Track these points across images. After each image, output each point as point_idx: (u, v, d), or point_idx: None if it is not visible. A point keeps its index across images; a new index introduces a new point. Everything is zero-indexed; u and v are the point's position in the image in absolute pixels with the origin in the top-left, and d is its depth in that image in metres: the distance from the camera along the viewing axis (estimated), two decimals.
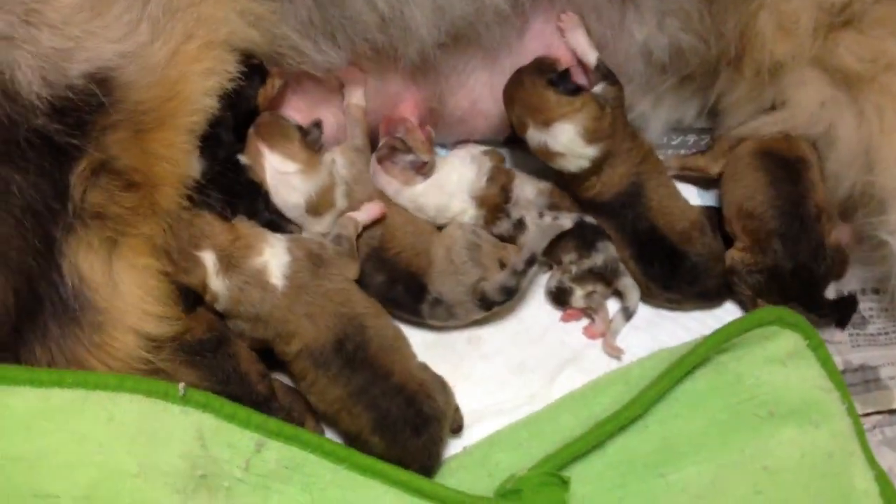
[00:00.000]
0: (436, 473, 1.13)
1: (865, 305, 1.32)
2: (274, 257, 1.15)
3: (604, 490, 1.10)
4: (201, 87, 1.08)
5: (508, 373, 1.26)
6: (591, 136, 1.23)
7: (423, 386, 1.14)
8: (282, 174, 1.21)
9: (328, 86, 1.28)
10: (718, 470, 1.10)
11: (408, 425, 1.11)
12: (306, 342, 1.13)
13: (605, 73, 1.28)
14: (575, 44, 1.29)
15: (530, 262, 1.22)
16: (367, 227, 1.24)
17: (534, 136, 1.25)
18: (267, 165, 1.21)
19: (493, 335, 1.28)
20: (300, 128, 1.24)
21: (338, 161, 1.26)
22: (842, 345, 1.31)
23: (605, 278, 1.27)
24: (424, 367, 1.18)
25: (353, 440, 1.13)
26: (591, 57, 1.29)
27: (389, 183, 1.27)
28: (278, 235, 1.19)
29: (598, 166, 1.25)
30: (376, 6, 1.15)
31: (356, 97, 1.29)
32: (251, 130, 1.23)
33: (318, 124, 1.26)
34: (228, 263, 1.13)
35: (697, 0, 1.21)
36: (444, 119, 1.33)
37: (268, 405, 1.10)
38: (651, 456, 1.12)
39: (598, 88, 1.28)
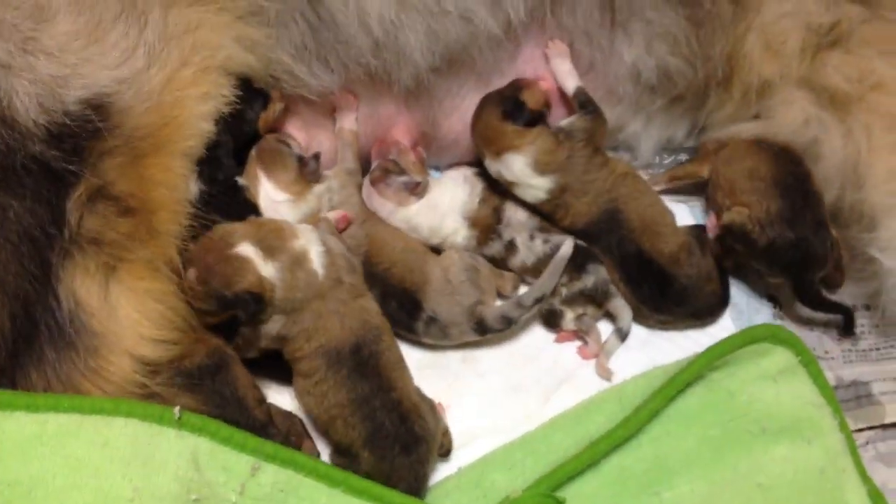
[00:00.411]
0: (423, 494, 1.13)
1: (858, 321, 1.33)
2: (310, 243, 1.16)
3: None
4: (198, 111, 1.10)
5: (503, 392, 1.26)
6: (541, 168, 1.26)
7: (416, 406, 1.14)
8: (272, 201, 1.24)
9: (322, 109, 1.30)
10: (712, 487, 1.10)
11: (398, 442, 1.11)
12: (327, 339, 1.14)
13: (582, 102, 1.30)
14: (557, 71, 1.32)
15: (539, 300, 1.24)
16: (351, 242, 1.26)
17: (490, 165, 1.29)
18: (261, 190, 1.25)
19: (487, 355, 1.29)
20: (300, 157, 1.26)
21: (333, 185, 1.28)
22: (834, 360, 1.31)
23: (596, 300, 1.28)
24: (418, 391, 1.18)
25: (343, 453, 1.13)
26: (571, 85, 1.31)
27: (383, 205, 1.28)
28: (303, 225, 1.20)
29: (557, 197, 1.27)
30: (370, 30, 1.16)
31: (348, 122, 1.31)
32: (253, 153, 1.25)
33: (316, 156, 1.27)
34: (268, 247, 1.12)
35: (685, 24, 1.24)
36: (437, 142, 1.35)
37: (265, 430, 1.10)
38: (645, 475, 1.12)
39: (567, 120, 1.31)
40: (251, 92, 1.18)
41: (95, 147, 1.02)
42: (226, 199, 1.21)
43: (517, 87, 1.29)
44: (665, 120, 1.39)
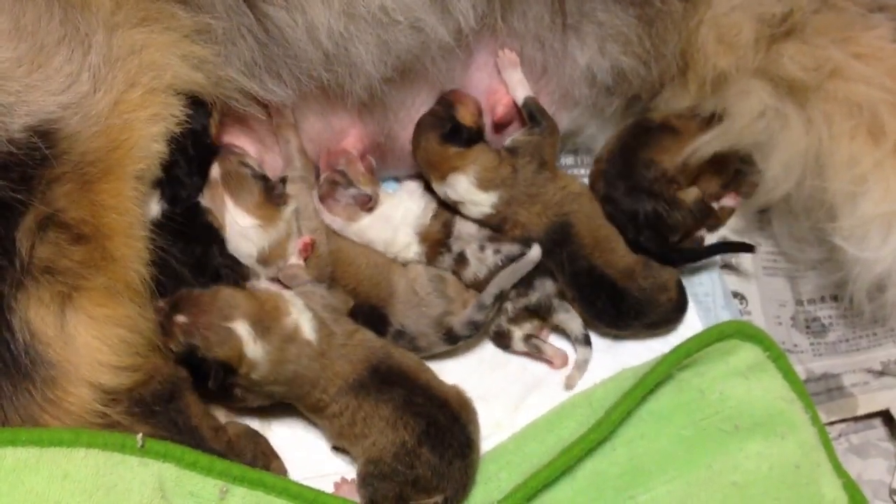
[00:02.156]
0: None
1: (825, 313, 1.34)
2: (300, 314, 1.16)
3: None
4: (148, 133, 1.08)
5: (473, 402, 1.23)
6: (485, 184, 1.26)
7: (464, 406, 1.15)
8: (240, 226, 1.22)
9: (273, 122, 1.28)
10: (687, 488, 1.10)
11: (454, 441, 1.11)
12: (344, 379, 1.14)
13: (530, 112, 1.31)
14: (508, 81, 1.32)
15: (499, 297, 1.23)
16: (316, 262, 1.25)
17: (436, 188, 1.29)
18: (227, 216, 1.22)
19: (454, 365, 1.28)
20: (265, 179, 1.24)
21: (298, 205, 1.26)
22: (803, 354, 1.31)
23: (539, 314, 1.27)
24: (461, 392, 1.18)
25: (398, 452, 1.10)
26: (521, 95, 1.31)
27: (333, 220, 1.27)
28: (291, 293, 1.20)
29: (502, 211, 1.27)
30: (320, 44, 1.15)
31: (284, 115, 1.28)
32: (216, 176, 1.23)
33: (283, 180, 1.25)
34: (262, 329, 1.13)
35: (636, 24, 1.23)
36: (394, 153, 1.34)
37: (225, 457, 1.07)
38: (620, 478, 1.11)
39: (511, 137, 1.31)
40: (192, 105, 1.16)
41: (44, 175, 1.00)
42: (186, 221, 1.19)
43: (449, 104, 1.29)
44: (621, 120, 1.38)
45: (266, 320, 1.13)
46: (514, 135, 1.32)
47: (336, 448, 1.20)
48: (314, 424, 1.20)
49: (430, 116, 1.29)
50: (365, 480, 1.12)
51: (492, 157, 1.27)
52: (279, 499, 1.04)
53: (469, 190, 1.26)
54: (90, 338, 1.02)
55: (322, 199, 1.27)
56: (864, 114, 1.18)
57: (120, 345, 1.04)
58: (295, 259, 1.23)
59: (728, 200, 1.36)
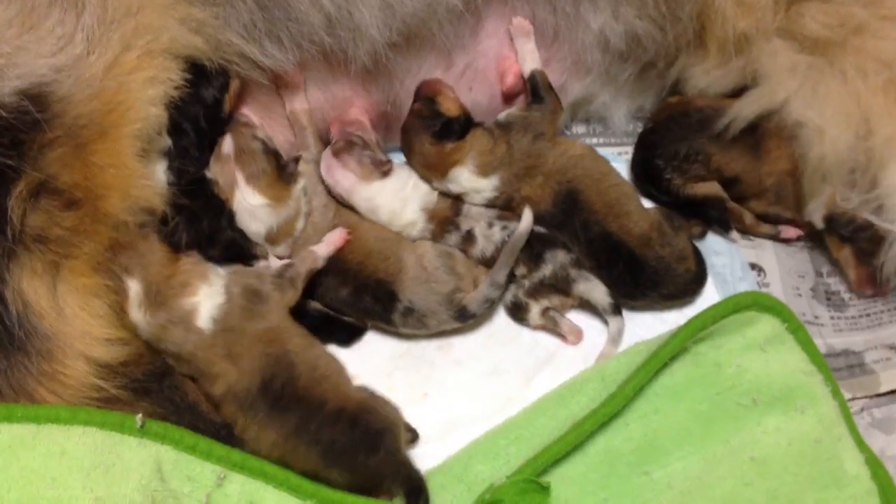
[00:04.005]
0: (420, 475, 1.08)
1: (845, 287, 1.30)
2: (208, 298, 1.09)
3: (587, 492, 1.07)
4: (144, 96, 1.04)
5: (483, 377, 1.22)
6: (485, 169, 1.24)
7: (362, 404, 1.08)
8: (249, 205, 1.19)
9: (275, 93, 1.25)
10: (704, 464, 1.07)
11: (360, 447, 1.05)
12: (230, 385, 1.07)
13: (534, 87, 1.27)
14: (519, 50, 1.28)
15: (511, 274, 1.21)
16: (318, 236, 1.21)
17: (438, 186, 1.26)
18: (237, 192, 1.19)
19: (464, 340, 1.25)
20: (277, 157, 1.21)
21: (307, 184, 1.23)
22: (824, 328, 1.28)
23: (559, 288, 1.23)
24: (363, 388, 1.11)
25: (315, 479, 1.06)
26: (528, 67, 1.27)
27: (346, 177, 1.22)
28: (221, 271, 1.13)
29: (505, 191, 1.25)
30: (322, 6, 1.11)
31: (298, 101, 1.25)
32: (227, 150, 1.20)
33: (296, 160, 1.22)
34: (155, 299, 1.07)
35: None
36: (400, 122, 1.29)
37: (227, 431, 1.06)
38: (634, 454, 1.09)
39: (504, 113, 1.27)
40: (208, 74, 1.14)
41: (35, 140, 0.97)
42: (192, 191, 1.15)
43: (429, 99, 1.25)
44: (635, 88, 1.35)
45: (163, 294, 1.07)
46: (510, 109, 1.28)
47: None
48: None
49: (415, 119, 1.25)
50: None
51: (486, 139, 1.24)
52: (278, 489, 1.02)
53: (470, 179, 1.24)
54: (78, 309, 1.00)
55: (336, 154, 1.23)
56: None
57: (105, 317, 1.02)
58: (323, 248, 1.19)
59: (789, 232, 1.31)
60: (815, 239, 1.32)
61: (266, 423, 1.05)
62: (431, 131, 1.23)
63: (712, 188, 1.28)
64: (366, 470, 1.05)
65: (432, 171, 1.25)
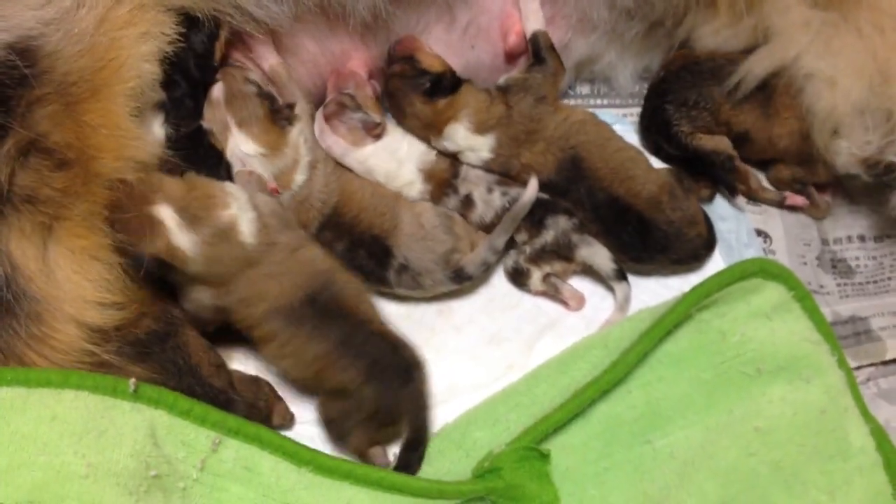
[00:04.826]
0: (429, 423, 1.09)
1: (851, 254, 1.28)
2: (241, 211, 1.07)
3: (588, 461, 1.06)
4: (137, 52, 1.01)
5: (483, 344, 1.21)
6: (481, 127, 1.21)
7: (398, 335, 1.10)
8: (243, 153, 1.15)
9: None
10: (707, 433, 1.06)
11: (397, 372, 1.06)
12: (274, 302, 1.06)
13: (536, 48, 1.24)
14: (523, 9, 1.25)
15: (511, 240, 1.20)
16: (322, 194, 1.19)
17: (436, 145, 1.24)
18: (231, 140, 1.16)
19: (464, 305, 1.23)
20: (272, 100, 1.17)
21: (305, 130, 1.19)
22: (829, 296, 1.26)
23: (561, 254, 1.20)
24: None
25: (342, 396, 1.07)
26: (531, 27, 1.24)
27: (337, 142, 1.20)
28: (237, 187, 1.11)
29: (502, 154, 1.22)
30: None
31: (271, 57, 1.20)
32: (218, 95, 1.16)
33: (290, 106, 1.18)
34: (190, 216, 1.04)
35: None
36: None
37: (226, 396, 1.04)
38: (636, 422, 1.08)
39: (505, 76, 1.24)
40: (197, 24, 1.10)
41: (24, 96, 0.93)
42: (189, 144, 1.13)
43: (409, 57, 1.21)
44: (642, 48, 1.31)
45: (195, 208, 1.04)
46: (509, 73, 1.25)
47: None
48: None
49: (401, 79, 1.21)
50: (328, 428, 1.09)
51: (482, 96, 1.22)
52: (274, 455, 1.01)
53: (466, 136, 1.21)
54: (71, 272, 0.97)
55: (327, 118, 1.20)
56: None
57: (101, 280, 0.99)
58: (267, 177, 1.16)
59: (795, 199, 1.29)
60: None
61: (312, 334, 1.06)
62: (421, 90, 1.20)
63: (721, 142, 1.26)
64: (396, 398, 1.06)
65: (428, 129, 1.22)
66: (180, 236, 1.03)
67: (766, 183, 1.31)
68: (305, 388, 1.12)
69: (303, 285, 1.07)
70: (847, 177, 1.24)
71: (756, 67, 1.21)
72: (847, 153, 1.19)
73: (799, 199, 1.29)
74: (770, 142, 1.26)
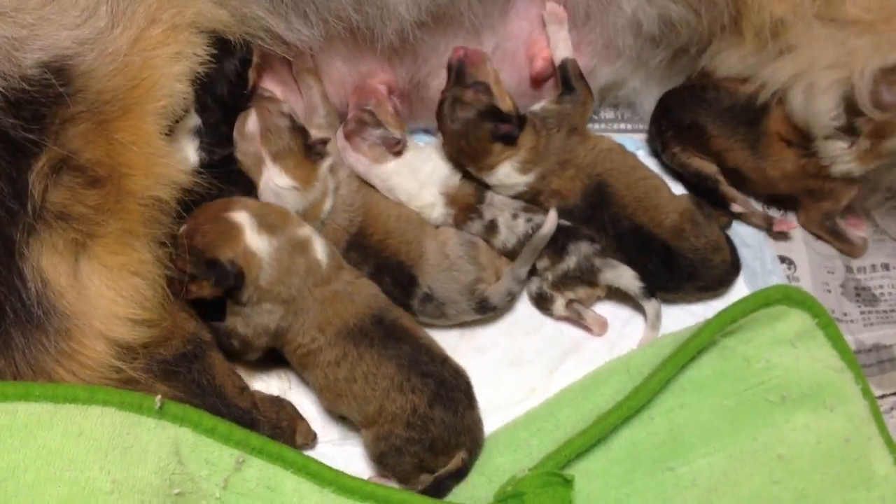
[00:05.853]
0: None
1: (876, 283, 1.28)
2: (315, 234, 1.11)
3: (610, 487, 1.06)
4: (170, 72, 1.02)
5: (505, 366, 1.21)
6: (526, 167, 1.21)
7: (455, 361, 1.12)
8: (276, 185, 1.17)
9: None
10: (730, 461, 1.05)
11: (463, 397, 1.08)
12: (344, 321, 1.08)
13: (565, 76, 1.25)
14: (551, 38, 1.25)
15: (531, 271, 1.20)
16: (346, 213, 1.20)
17: (475, 174, 1.23)
18: (265, 173, 1.17)
19: (485, 328, 1.23)
20: (305, 135, 1.18)
21: (335, 161, 1.21)
22: (853, 324, 1.26)
23: (585, 280, 1.20)
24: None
25: (403, 422, 1.06)
26: (560, 55, 1.25)
27: (358, 160, 1.21)
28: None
29: (536, 186, 1.22)
30: None
31: (304, 61, 1.22)
32: (251, 127, 1.18)
33: (324, 141, 1.19)
34: (268, 224, 1.08)
35: None
36: (423, 102, 1.28)
37: (250, 417, 1.05)
38: (658, 449, 1.07)
39: (539, 105, 1.25)
40: (230, 47, 1.12)
41: (58, 114, 0.95)
42: (222, 167, 1.15)
43: (483, 83, 1.19)
44: (666, 74, 1.32)
45: (272, 217, 1.08)
46: (542, 102, 1.26)
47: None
48: None
49: (473, 110, 1.17)
50: (380, 459, 1.08)
51: (533, 136, 1.21)
52: (297, 475, 1.01)
53: (510, 175, 1.21)
54: (104, 288, 0.98)
55: (348, 136, 1.21)
56: None
57: (135, 296, 0.99)
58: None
59: (781, 225, 1.29)
60: None
61: (381, 352, 1.08)
62: (492, 133, 1.18)
63: (708, 166, 1.28)
64: (461, 421, 1.07)
65: (472, 162, 1.21)
66: (257, 240, 1.07)
67: (756, 206, 1.32)
68: (366, 418, 1.09)
69: (373, 305, 1.10)
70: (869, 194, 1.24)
71: (776, 76, 1.20)
72: (840, 151, 1.19)
73: (785, 226, 1.29)
74: (769, 182, 1.27)
